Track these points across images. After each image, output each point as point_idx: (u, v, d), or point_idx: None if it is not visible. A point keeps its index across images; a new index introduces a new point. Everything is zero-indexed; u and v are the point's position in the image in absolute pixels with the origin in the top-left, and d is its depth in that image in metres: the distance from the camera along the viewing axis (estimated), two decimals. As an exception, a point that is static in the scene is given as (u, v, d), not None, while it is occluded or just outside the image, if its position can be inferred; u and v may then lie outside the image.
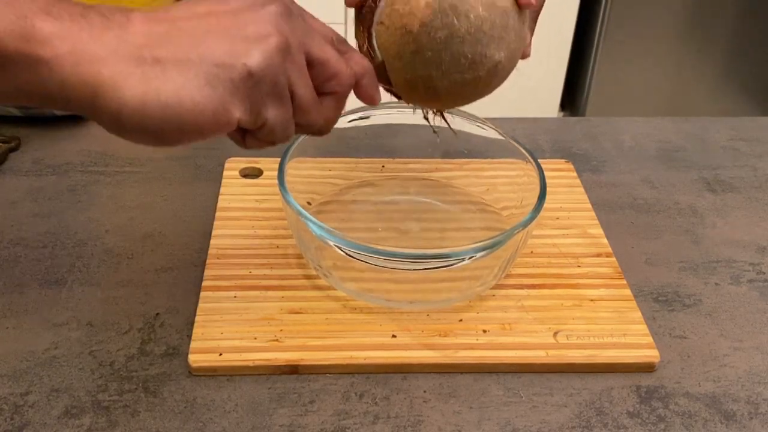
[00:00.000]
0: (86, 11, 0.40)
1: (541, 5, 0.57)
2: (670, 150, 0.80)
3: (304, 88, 0.44)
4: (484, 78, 0.52)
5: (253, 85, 0.41)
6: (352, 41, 0.54)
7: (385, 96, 0.67)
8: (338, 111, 0.48)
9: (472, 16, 0.49)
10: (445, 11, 0.49)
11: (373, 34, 0.52)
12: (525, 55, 0.56)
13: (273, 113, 0.43)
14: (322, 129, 0.48)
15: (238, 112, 0.42)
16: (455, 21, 0.49)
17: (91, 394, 0.51)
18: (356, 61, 0.48)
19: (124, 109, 0.40)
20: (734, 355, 0.57)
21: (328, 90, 0.47)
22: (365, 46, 0.53)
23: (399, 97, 0.56)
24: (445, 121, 0.60)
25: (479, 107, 0.67)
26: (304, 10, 0.46)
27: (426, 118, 0.60)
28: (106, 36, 0.39)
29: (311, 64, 0.45)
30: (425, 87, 0.52)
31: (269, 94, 0.42)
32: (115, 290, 0.59)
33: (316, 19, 0.47)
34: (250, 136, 0.45)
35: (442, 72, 0.51)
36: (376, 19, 0.52)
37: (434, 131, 0.61)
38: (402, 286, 0.56)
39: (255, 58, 0.41)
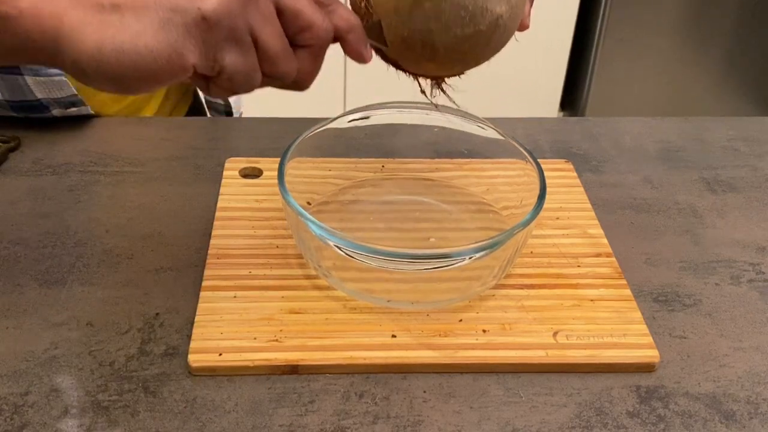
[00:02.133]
0: None
1: None
2: (670, 150, 0.80)
3: (270, 36, 0.44)
4: (484, 33, 0.50)
5: (208, 29, 0.41)
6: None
7: (385, 96, 0.68)
8: (315, 65, 0.48)
9: None
10: None
11: None
12: (523, 26, 0.55)
13: (231, 59, 0.43)
14: (298, 83, 0.48)
15: (192, 57, 0.42)
16: None
17: (90, 394, 0.51)
18: (340, 15, 0.47)
19: (82, 57, 0.41)
20: (734, 355, 0.57)
21: (302, 42, 0.46)
22: (363, 3, 0.51)
23: (394, 64, 0.54)
24: (443, 91, 0.58)
25: (479, 107, 0.67)
26: None
27: (423, 92, 0.57)
28: None
29: (282, 12, 0.44)
30: (423, 44, 0.50)
31: (226, 39, 0.42)
32: (114, 290, 0.59)
33: None
34: (213, 84, 0.45)
35: (441, 25, 0.49)
36: None
37: (433, 104, 0.59)
38: (402, 286, 0.56)
39: (210, 2, 0.41)
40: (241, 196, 0.68)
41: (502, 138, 0.64)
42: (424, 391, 0.52)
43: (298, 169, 0.62)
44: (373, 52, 0.52)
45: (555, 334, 0.56)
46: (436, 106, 0.59)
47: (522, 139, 0.73)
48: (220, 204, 0.67)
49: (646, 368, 0.55)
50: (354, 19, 0.48)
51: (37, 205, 0.67)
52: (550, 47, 2.09)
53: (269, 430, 0.49)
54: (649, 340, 0.56)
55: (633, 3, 2.04)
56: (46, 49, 0.42)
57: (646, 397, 0.53)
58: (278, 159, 0.59)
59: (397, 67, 0.55)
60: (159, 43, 0.41)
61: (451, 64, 0.54)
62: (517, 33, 0.56)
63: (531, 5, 0.56)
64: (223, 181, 0.69)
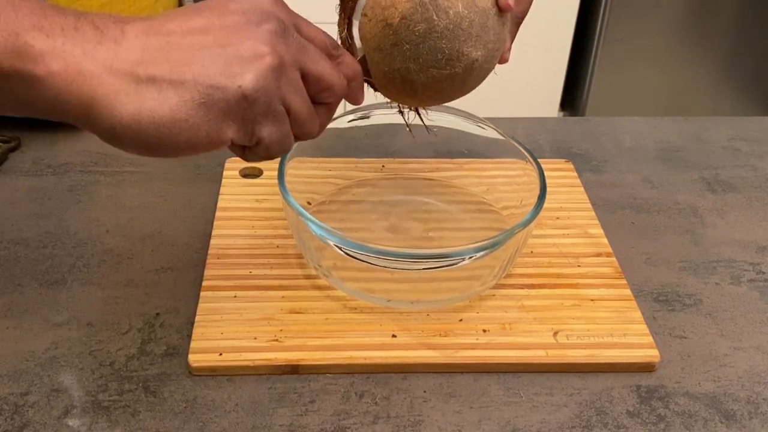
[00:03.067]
0: (79, 23, 0.39)
1: (524, 12, 0.57)
2: (670, 150, 0.80)
3: (300, 104, 0.45)
4: (460, 75, 0.52)
5: (248, 106, 0.42)
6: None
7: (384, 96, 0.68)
8: (331, 116, 0.49)
9: (451, 12, 0.50)
10: (425, 6, 0.50)
11: (354, 23, 0.53)
12: (503, 60, 0.57)
13: (268, 131, 0.44)
14: (314, 135, 0.49)
15: (231, 132, 0.42)
16: (434, 16, 0.50)
17: (91, 394, 0.51)
18: (347, 64, 0.49)
19: (118, 126, 0.40)
20: (734, 354, 0.57)
21: (323, 101, 0.47)
22: (344, 34, 0.54)
23: (377, 90, 0.56)
24: (419, 117, 0.61)
25: (479, 107, 0.67)
26: (299, 18, 0.47)
27: (401, 112, 0.60)
28: (100, 51, 0.39)
29: (306, 78, 0.45)
30: (402, 80, 0.53)
31: (263, 114, 0.43)
32: (115, 290, 0.59)
33: (311, 25, 0.47)
34: (249, 151, 0.46)
35: (419, 65, 0.51)
36: (358, 10, 0.52)
37: (408, 128, 0.61)
38: (402, 286, 0.56)
39: (249, 79, 0.41)
40: (241, 195, 0.68)
41: (502, 138, 0.64)
42: (425, 391, 0.52)
43: (299, 168, 0.62)
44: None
45: (555, 333, 0.56)
46: (411, 130, 0.62)
47: (522, 139, 0.73)
48: (220, 204, 0.67)
49: (647, 368, 0.55)
50: (357, 68, 0.50)
51: (37, 205, 0.67)
52: (550, 47, 2.09)
53: (269, 430, 0.49)
54: (650, 339, 0.56)
55: (633, 3, 2.03)
56: (77, 113, 0.41)
57: (646, 396, 0.53)
58: (278, 159, 0.59)
59: (383, 94, 0.57)
60: (199, 118, 0.41)
61: (429, 100, 0.57)
62: (517, 32, 0.57)
63: (512, 41, 0.58)
64: (224, 180, 0.69)
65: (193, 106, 0.41)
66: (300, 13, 0.47)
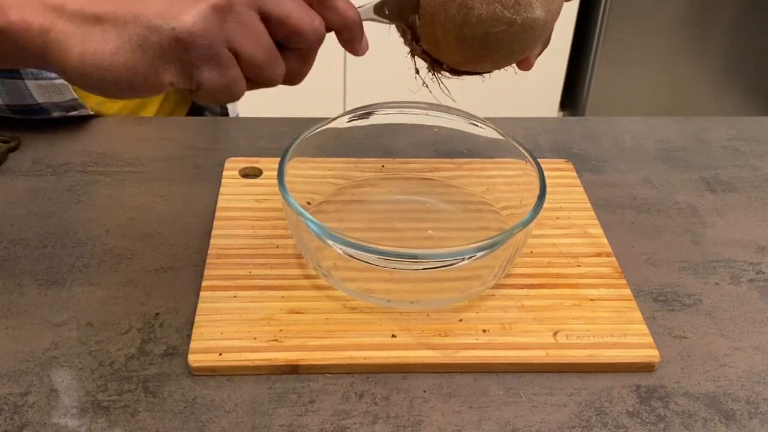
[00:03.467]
0: None
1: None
2: (670, 150, 0.80)
3: (251, 48, 0.43)
4: (518, 27, 0.51)
5: (183, 49, 0.41)
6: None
7: (385, 96, 0.68)
8: (305, 65, 0.47)
9: None
10: None
11: None
12: (529, 65, 0.57)
13: (208, 76, 0.43)
14: (289, 81, 0.48)
15: (169, 76, 0.42)
16: None
17: (90, 394, 0.51)
18: (338, 10, 0.46)
19: (67, 68, 0.42)
20: (734, 354, 0.57)
21: (291, 46, 0.45)
22: None
23: (412, 37, 0.53)
24: (438, 79, 0.57)
25: (479, 107, 0.67)
26: None
27: (417, 71, 0.57)
28: None
29: (269, 20, 0.44)
30: (459, 7, 0.50)
31: (202, 58, 0.42)
32: (114, 290, 0.59)
33: None
34: (193, 94, 0.45)
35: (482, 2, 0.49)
36: None
37: (418, 72, 0.58)
38: (402, 286, 0.56)
39: (184, 21, 0.41)
40: (240, 195, 0.68)
41: (502, 138, 0.64)
42: (424, 391, 0.52)
43: (298, 168, 0.62)
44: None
45: (555, 333, 0.56)
46: (426, 85, 0.58)
47: (522, 139, 0.73)
48: (219, 204, 0.67)
49: (646, 368, 0.55)
50: (351, 14, 0.47)
51: (37, 205, 0.67)
52: (549, 47, 2.09)
53: (269, 430, 0.49)
54: (649, 339, 0.56)
55: (633, 3, 2.03)
56: (36, 58, 0.43)
57: (646, 396, 0.53)
58: (278, 159, 0.59)
59: (413, 39, 0.54)
60: (136, 61, 0.41)
61: (472, 50, 0.53)
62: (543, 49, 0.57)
63: (540, 52, 0.57)
64: (223, 180, 0.69)
65: (131, 48, 0.41)
66: None
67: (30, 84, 0.73)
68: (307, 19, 0.45)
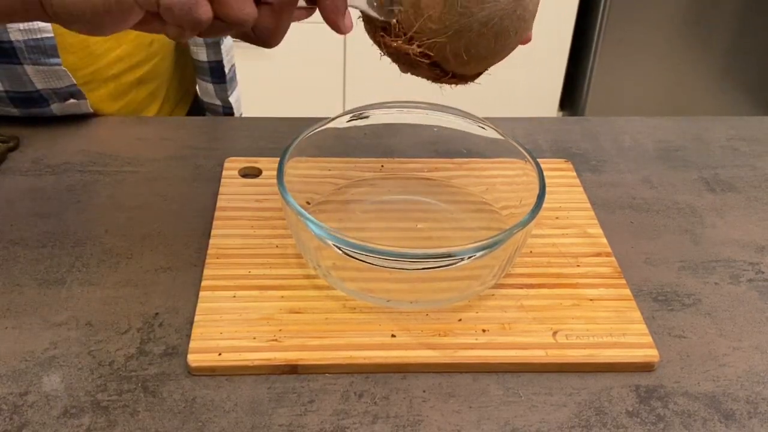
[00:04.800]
0: None
1: None
2: (670, 149, 0.80)
3: None
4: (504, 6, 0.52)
5: None
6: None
7: (385, 96, 0.68)
8: (277, 22, 0.48)
9: None
10: None
11: None
12: (526, 39, 0.57)
13: None
14: (261, 38, 0.49)
15: None
16: None
17: (90, 394, 0.51)
18: None
19: (54, 4, 0.46)
20: (733, 354, 0.57)
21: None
22: None
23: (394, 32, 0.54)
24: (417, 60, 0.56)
25: (479, 107, 0.67)
26: None
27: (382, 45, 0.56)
28: None
29: None
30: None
31: None
32: (114, 290, 0.59)
33: None
34: (165, 24, 0.47)
35: None
36: None
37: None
38: (401, 285, 0.56)
39: None
40: (240, 195, 0.68)
41: (502, 138, 0.64)
42: (424, 391, 0.52)
43: (298, 168, 0.62)
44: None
45: (554, 333, 0.56)
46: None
47: (521, 139, 0.73)
48: (219, 204, 0.67)
49: (646, 368, 0.55)
50: None
51: (36, 205, 0.67)
52: (549, 47, 2.09)
53: (269, 429, 0.49)
54: (649, 339, 0.56)
55: (633, 3, 2.04)
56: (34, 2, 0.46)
57: (645, 396, 0.53)
58: (277, 158, 0.59)
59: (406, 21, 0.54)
60: None
61: (460, 28, 0.53)
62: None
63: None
64: (223, 180, 0.69)
65: None
66: None
67: (29, 69, 0.73)
68: None
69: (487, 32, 0.53)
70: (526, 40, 0.58)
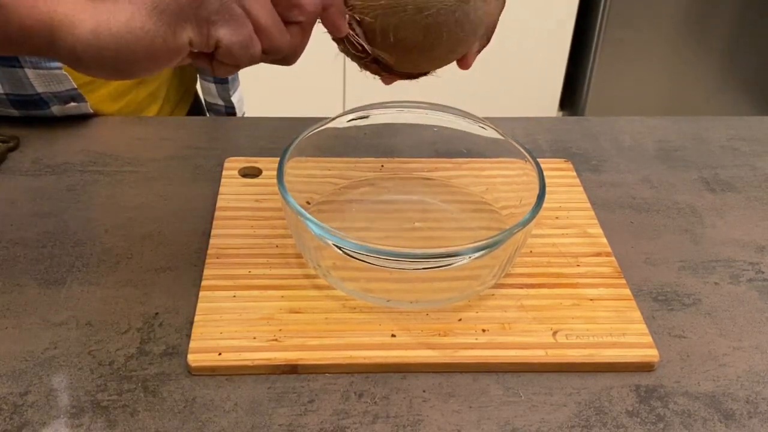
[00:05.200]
0: None
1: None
2: (670, 149, 0.80)
3: (262, 11, 0.45)
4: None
5: (198, 5, 0.42)
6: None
7: (385, 96, 0.68)
8: (304, 39, 0.49)
9: None
10: None
11: None
12: (466, 64, 0.58)
13: (225, 32, 0.44)
14: (288, 58, 0.49)
15: (186, 35, 0.43)
16: None
17: (90, 394, 0.51)
18: None
19: (79, 43, 0.42)
20: (733, 354, 0.57)
21: (293, 19, 0.47)
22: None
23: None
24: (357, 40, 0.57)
25: (479, 107, 0.67)
26: None
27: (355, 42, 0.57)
28: None
29: None
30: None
31: (218, 13, 0.43)
32: (114, 290, 0.59)
33: None
34: (215, 61, 0.46)
35: None
36: None
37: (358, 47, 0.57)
38: (401, 285, 0.56)
39: None
40: (240, 195, 0.68)
41: (502, 138, 0.64)
42: (424, 391, 0.52)
43: (298, 168, 0.62)
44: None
45: (554, 333, 0.56)
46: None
47: (521, 139, 0.73)
48: (219, 204, 0.67)
49: (646, 368, 0.55)
50: None
51: (36, 204, 0.67)
52: (549, 47, 2.09)
53: (269, 429, 0.49)
54: (649, 339, 0.56)
55: (632, 3, 2.03)
56: (42, 38, 0.42)
57: (645, 396, 0.53)
58: (277, 158, 0.59)
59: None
60: (153, 24, 0.42)
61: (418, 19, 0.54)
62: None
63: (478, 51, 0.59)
64: (223, 180, 0.69)
65: (147, 13, 0.42)
66: None
67: (29, 73, 0.73)
68: None
69: (419, 20, 0.53)
70: (463, 60, 0.58)
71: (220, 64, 0.46)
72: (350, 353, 0.53)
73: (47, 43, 0.42)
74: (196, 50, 0.45)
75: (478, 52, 0.60)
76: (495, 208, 0.67)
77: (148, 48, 0.42)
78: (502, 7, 0.60)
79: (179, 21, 0.42)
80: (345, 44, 0.55)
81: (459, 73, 0.63)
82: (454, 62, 0.60)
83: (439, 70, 0.60)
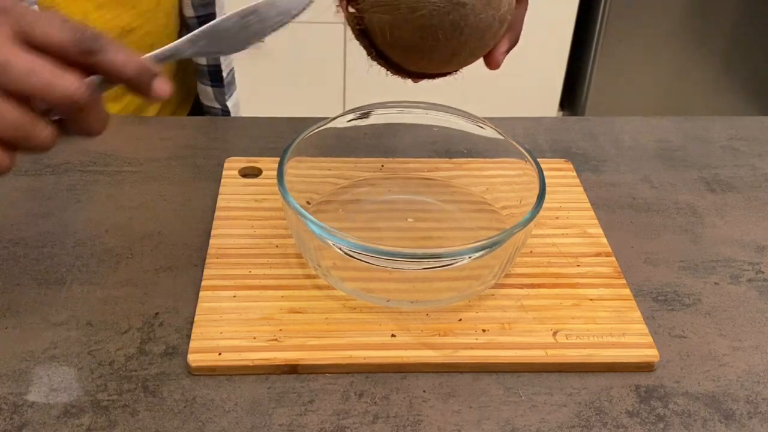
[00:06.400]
0: None
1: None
2: (670, 149, 0.80)
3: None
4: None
5: None
6: None
7: (385, 96, 0.68)
8: (87, 116, 0.45)
9: None
10: None
11: None
12: (495, 63, 0.58)
13: None
14: (83, 133, 0.46)
15: None
16: None
17: (90, 394, 0.51)
18: (109, 61, 0.43)
19: None
20: (733, 354, 0.57)
21: (52, 113, 0.44)
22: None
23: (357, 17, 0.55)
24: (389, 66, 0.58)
25: (479, 107, 0.67)
26: (35, 21, 0.42)
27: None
28: None
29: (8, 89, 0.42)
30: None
31: None
32: (114, 290, 0.59)
33: (53, 24, 0.42)
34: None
35: None
36: None
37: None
38: (402, 285, 0.56)
39: None
40: (240, 195, 0.68)
41: (502, 137, 0.64)
42: (424, 391, 0.52)
43: (298, 168, 0.62)
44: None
45: (554, 333, 0.56)
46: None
47: (521, 139, 0.73)
48: (219, 203, 0.67)
49: (646, 368, 0.55)
50: (129, 70, 0.44)
51: (36, 204, 0.67)
52: (549, 47, 2.09)
53: (269, 429, 0.49)
54: (649, 339, 0.56)
55: (633, 3, 2.04)
56: None
57: (645, 396, 0.53)
58: (278, 158, 0.59)
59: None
60: None
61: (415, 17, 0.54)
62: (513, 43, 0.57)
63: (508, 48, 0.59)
64: (223, 180, 0.69)
65: None
66: None
67: None
68: (62, 83, 0.42)
69: (413, 20, 0.53)
70: (490, 59, 0.58)
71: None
72: (350, 353, 0.53)
73: None
74: None
75: (507, 51, 0.60)
76: (495, 208, 0.67)
77: None
78: (524, 6, 0.59)
79: None
80: (359, 37, 0.56)
81: (459, 73, 0.62)
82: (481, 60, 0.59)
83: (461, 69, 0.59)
